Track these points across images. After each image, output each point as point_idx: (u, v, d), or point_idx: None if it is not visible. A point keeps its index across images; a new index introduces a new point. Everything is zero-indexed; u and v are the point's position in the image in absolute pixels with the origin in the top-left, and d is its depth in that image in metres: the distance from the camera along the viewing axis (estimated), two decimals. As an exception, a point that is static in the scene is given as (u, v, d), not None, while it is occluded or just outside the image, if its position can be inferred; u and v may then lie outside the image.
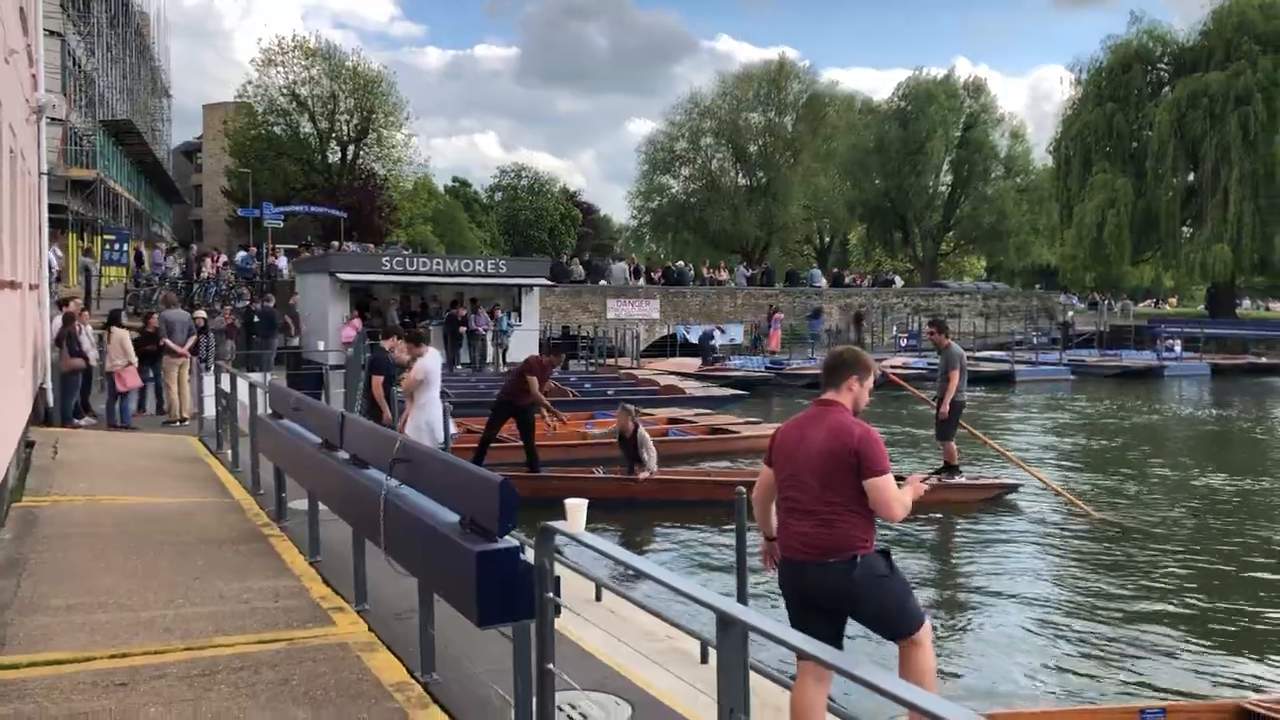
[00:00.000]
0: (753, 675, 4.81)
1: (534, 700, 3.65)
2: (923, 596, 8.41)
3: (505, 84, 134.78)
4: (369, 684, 4.49)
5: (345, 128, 47.97)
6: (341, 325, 24.29)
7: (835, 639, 4.05)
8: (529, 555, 3.75)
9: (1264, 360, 34.99)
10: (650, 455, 11.48)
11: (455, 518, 4.13)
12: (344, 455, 5.89)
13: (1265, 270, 44.00)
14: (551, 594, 3.57)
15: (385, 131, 48.43)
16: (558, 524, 3.69)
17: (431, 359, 9.33)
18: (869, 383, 4.27)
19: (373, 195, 46.14)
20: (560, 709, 4.45)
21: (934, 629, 7.47)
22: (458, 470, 4.33)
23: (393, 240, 45.38)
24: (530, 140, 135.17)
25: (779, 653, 5.48)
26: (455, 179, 72.21)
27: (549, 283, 29.77)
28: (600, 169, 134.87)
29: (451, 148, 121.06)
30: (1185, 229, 42.48)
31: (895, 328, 38.20)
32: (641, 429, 11.66)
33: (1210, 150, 39.37)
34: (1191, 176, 42.00)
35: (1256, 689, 6.09)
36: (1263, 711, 5.19)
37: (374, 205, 45.56)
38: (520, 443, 12.18)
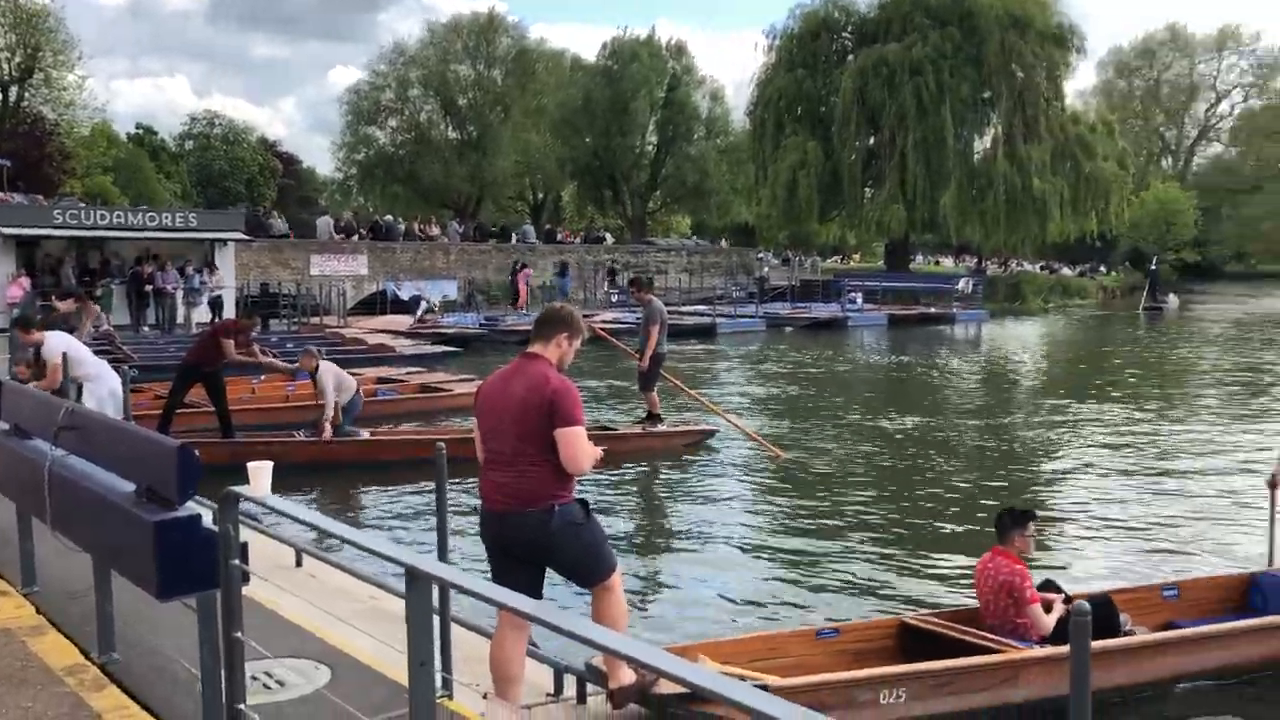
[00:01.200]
0: (458, 629, 4.88)
1: (222, 672, 3.52)
2: (626, 540, 8.76)
3: (196, 25, 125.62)
4: (35, 669, 4.16)
5: (7, 66, 43.14)
6: (6, 284, 22.05)
7: (535, 588, 4.15)
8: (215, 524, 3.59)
9: (933, 310, 38.51)
10: (327, 401, 11.05)
11: (131, 487, 3.89)
12: (3, 426, 5.38)
13: (934, 228, 48.18)
14: (238, 561, 3.44)
15: (54, 72, 43.94)
16: (241, 489, 3.55)
17: (56, 341, 8.35)
18: (577, 343, 4.36)
19: (41, 141, 41.85)
20: (254, 679, 4.31)
21: (637, 571, 7.85)
22: (132, 437, 4.07)
23: (67, 191, 41.44)
24: (226, 86, 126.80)
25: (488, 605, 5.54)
26: (140, 126, 66.57)
27: (245, 237, 28.23)
28: (303, 119, 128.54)
29: (135, 92, 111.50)
30: (867, 190, 45.75)
31: (605, 284, 39.02)
32: (325, 373, 11.23)
33: (889, 117, 42.51)
34: (872, 141, 45.24)
35: (919, 606, 6.74)
36: (923, 625, 5.79)
37: (43, 153, 41.35)
38: (213, 408, 11.55)
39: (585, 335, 4.45)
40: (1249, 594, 6.71)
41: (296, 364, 12.03)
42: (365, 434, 11.64)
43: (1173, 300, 48.00)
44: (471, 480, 4.30)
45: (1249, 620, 6.05)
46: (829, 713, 4.52)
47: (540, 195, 64.55)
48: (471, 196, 54.93)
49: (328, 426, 11.05)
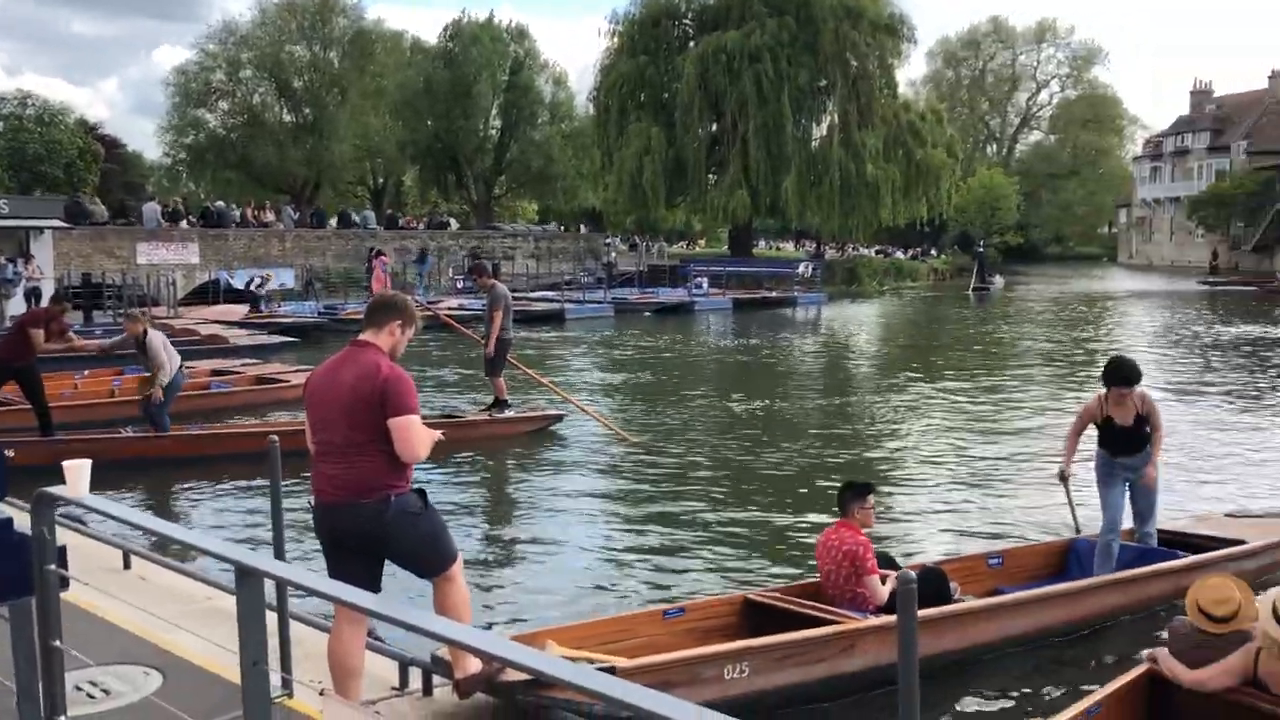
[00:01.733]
0: (299, 626, 4.75)
1: (40, 683, 3.33)
2: (472, 528, 8.69)
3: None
4: None
5: None
6: None
7: (374, 581, 4.08)
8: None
9: (775, 294, 39.40)
10: (159, 365, 10.43)
11: (-68, 492, 3.64)
12: None
13: (776, 213, 49.27)
14: (54, 565, 3.26)
15: None
16: (56, 489, 3.36)
17: None
18: (410, 332, 4.28)
19: None
20: (78, 689, 4.10)
21: (483, 560, 7.80)
22: (-68, 438, 3.80)
23: None
24: (40, 64, 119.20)
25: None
26: (-59, 105, 62.06)
27: (64, 225, 26.70)
28: (126, 100, 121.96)
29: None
30: (711, 176, 46.41)
31: (451, 270, 38.51)
32: (154, 338, 10.60)
33: (730, 104, 43.18)
34: (715, 127, 45.88)
35: (765, 582, 6.90)
36: (766, 601, 5.94)
37: None
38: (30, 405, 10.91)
39: (419, 325, 4.38)
40: (1067, 559, 7.13)
41: (120, 336, 11.43)
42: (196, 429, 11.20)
43: (998, 281, 50.38)
44: (309, 473, 4.18)
45: (1064, 584, 6.43)
46: (675, 690, 4.61)
47: (381, 180, 63.13)
48: (308, 181, 53.31)
49: (159, 391, 10.46)
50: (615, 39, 47.30)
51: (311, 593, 2.65)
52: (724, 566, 7.63)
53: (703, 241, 73.40)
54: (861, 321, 33.97)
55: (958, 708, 5.41)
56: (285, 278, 32.80)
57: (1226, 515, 8.23)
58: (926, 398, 16.18)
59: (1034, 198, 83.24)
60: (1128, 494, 6.87)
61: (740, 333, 28.18)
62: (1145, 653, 4.96)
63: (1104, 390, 6.80)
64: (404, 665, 4.62)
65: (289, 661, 4.29)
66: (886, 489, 9.81)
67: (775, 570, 7.46)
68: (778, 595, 5.99)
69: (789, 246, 71.73)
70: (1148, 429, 6.76)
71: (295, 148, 51.56)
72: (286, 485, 4.73)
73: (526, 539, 8.51)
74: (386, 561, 4.18)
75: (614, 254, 48.87)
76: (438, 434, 4.18)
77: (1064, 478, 7.06)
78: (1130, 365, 6.82)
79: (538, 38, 62.08)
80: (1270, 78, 74.77)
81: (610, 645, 5.31)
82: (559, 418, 12.94)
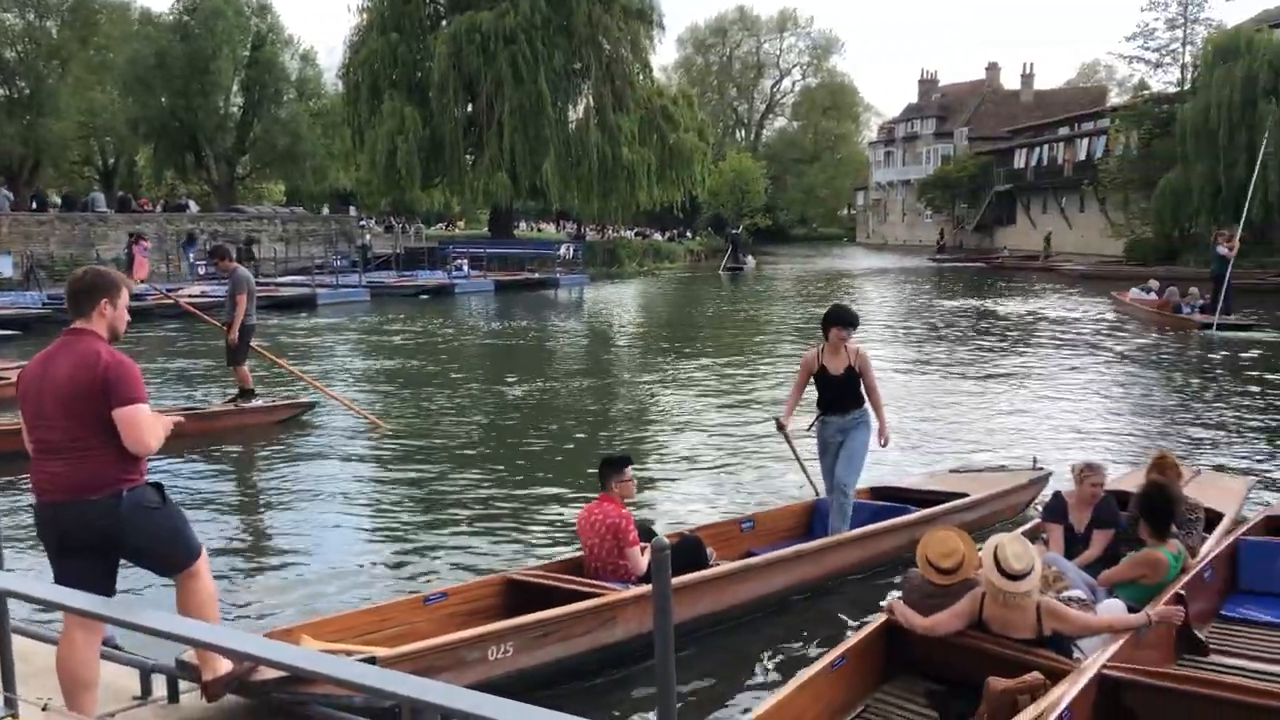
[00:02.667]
0: (21, 640, 4.37)
1: None
2: (220, 522, 8.27)
3: None
4: None
5: None
6: None
7: (106, 585, 3.81)
8: None
9: (538, 276, 39.48)
10: None
11: None
12: None
13: (536, 195, 49.26)
14: None
15: None
16: None
17: None
18: (123, 303, 3.98)
19: None
20: None
21: (234, 555, 7.44)
22: None
23: None
24: None
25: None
26: None
27: None
28: None
29: None
30: (469, 156, 45.77)
31: (190, 255, 36.34)
32: None
33: (486, 84, 42.69)
34: (471, 108, 45.28)
35: (528, 563, 6.90)
36: (528, 579, 5.95)
37: None
38: None
39: (130, 288, 4.09)
40: (812, 520, 7.52)
41: None
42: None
43: (750, 261, 52.44)
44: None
45: (808, 544, 6.78)
46: (439, 676, 4.55)
47: (111, 160, 58.77)
48: (26, 161, 48.93)
49: None
50: (365, 15, 45.86)
51: (36, 601, 2.44)
52: (489, 549, 7.59)
53: (462, 223, 72.55)
54: (623, 302, 34.54)
55: (716, 668, 5.61)
56: (2, 266, 30.04)
57: (950, 471, 8.93)
58: (685, 373, 16.66)
59: (780, 181, 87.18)
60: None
61: (503, 315, 28.07)
62: (883, 603, 5.31)
63: (823, 341, 7.02)
64: (145, 672, 4.34)
65: (12, 679, 3.95)
66: (646, 461, 10.04)
67: (542, 549, 7.48)
68: (540, 573, 6.02)
69: (550, 228, 71.97)
70: (861, 390, 7.01)
71: (10, 124, 47.16)
72: (4, 489, 4.35)
73: (278, 532, 8.18)
74: (122, 562, 3.92)
75: (369, 236, 47.51)
76: (169, 420, 3.92)
77: (781, 428, 7.29)
78: (848, 309, 7.09)
79: (281, 12, 59.37)
80: (987, 69, 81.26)
81: (369, 636, 5.20)
82: (310, 406, 12.51)
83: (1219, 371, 16.35)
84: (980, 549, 5.06)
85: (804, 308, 29.61)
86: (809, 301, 31.85)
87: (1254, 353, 17.91)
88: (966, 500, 7.56)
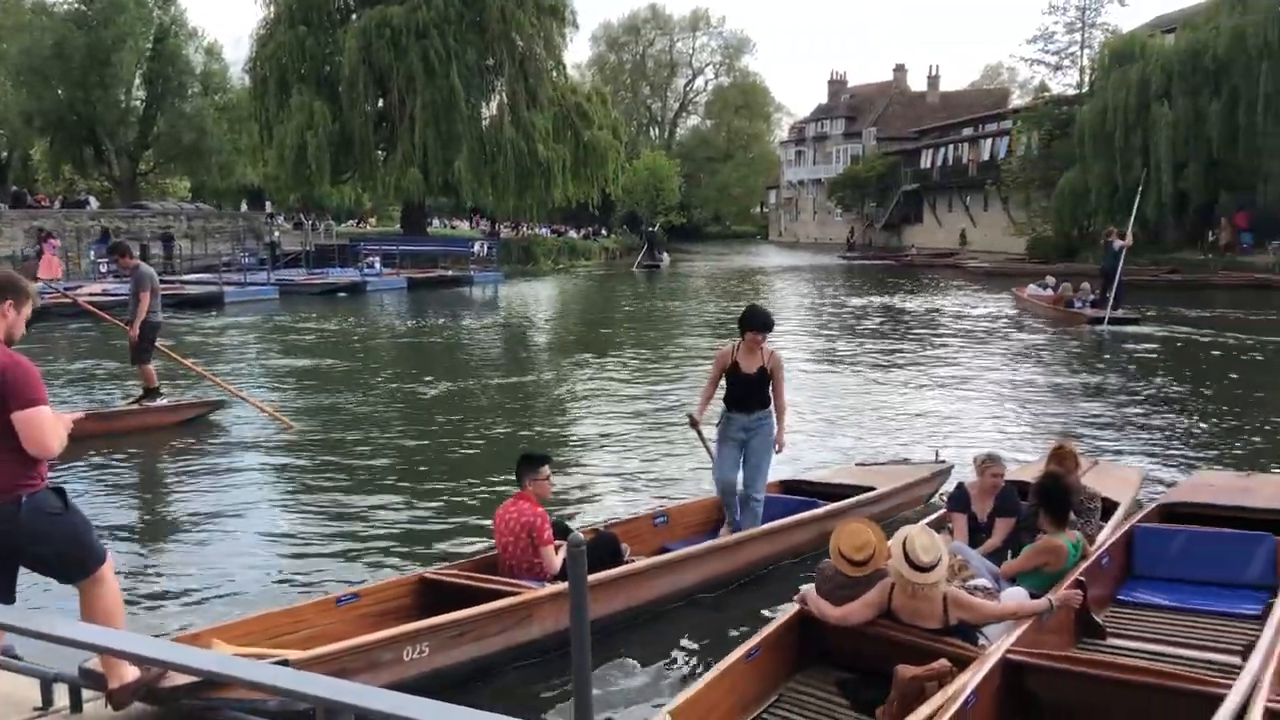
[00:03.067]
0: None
1: None
2: (125, 527, 8.07)
3: None
4: None
5: None
6: None
7: (5, 593, 3.70)
8: None
9: (451, 273, 39.11)
10: None
11: None
12: None
13: (449, 192, 48.84)
14: None
15: None
16: None
17: None
18: (26, 310, 3.88)
19: None
20: None
21: (140, 560, 7.26)
22: None
23: None
24: None
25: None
26: None
27: None
28: None
29: None
30: (380, 152, 45.20)
31: (93, 252, 35.27)
32: None
33: (398, 79, 42.16)
34: (382, 103, 44.70)
35: (444, 560, 6.86)
36: (442, 578, 5.91)
37: None
38: None
39: (36, 299, 3.98)
40: (724, 514, 7.60)
41: None
42: None
43: (666, 259, 52.64)
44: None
45: (721, 539, 6.86)
46: (354, 677, 4.51)
47: (4, 154, 56.70)
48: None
49: None
50: (272, 8, 44.93)
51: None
52: (404, 549, 7.52)
53: (374, 220, 71.57)
54: (538, 299, 34.44)
55: (632, 663, 5.65)
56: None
57: (857, 465, 9.13)
58: (600, 370, 16.69)
59: (694, 179, 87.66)
60: (743, 455, 7.05)
61: (417, 313, 27.77)
62: (796, 595, 5.40)
63: (739, 339, 7.04)
64: (47, 682, 4.20)
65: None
66: (562, 459, 10.04)
67: (458, 547, 7.44)
68: (455, 572, 6.00)
69: (464, 225, 71.40)
70: (769, 391, 7.03)
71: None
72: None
73: (185, 534, 8.00)
74: (22, 569, 3.81)
75: (277, 233, 46.59)
76: (69, 419, 3.82)
77: (695, 424, 7.31)
78: (766, 313, 7.10)
79: (186, 4, 57.90)
80: (895, 70, 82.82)
81: (281, 639, 5.12)
82: (217, 405, 12.26)
83: (1111, 365, 16.94)
84: (891, 541, 5.19)
85: (719, 305, 29.86)
86: (724, 298, 32.13)
87: (1144, 346, 18.59)
88: (873, 494, 7.73)
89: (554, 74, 46.03)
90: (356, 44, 41.81)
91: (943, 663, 4.52)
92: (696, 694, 4.37)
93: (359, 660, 4.75)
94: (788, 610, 5.34)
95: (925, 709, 4.18)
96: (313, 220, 54.40)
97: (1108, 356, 17.94)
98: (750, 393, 7.02)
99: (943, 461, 8.73)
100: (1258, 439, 11.19)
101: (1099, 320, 20.93)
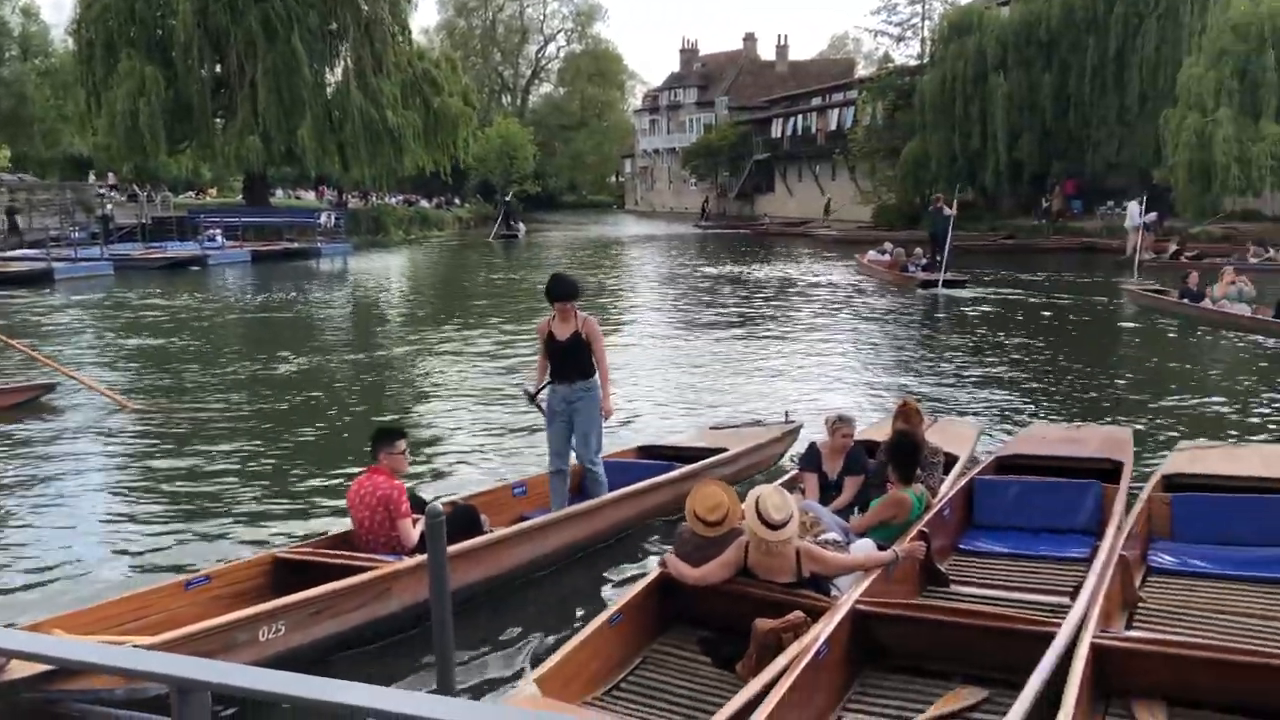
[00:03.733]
0: None
1: None
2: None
3: None
4: None
5: None
6: None
7: None
8: None
9: (298, 245, 37.97)
10: None
11: None
12: None
13: (293, 161, 47.24)
14: None
15: None
16: None
17: None
18: None
19: None
20: None
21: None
22: None
23: None
24: None
25: None
26: None
27: None
28: None
29: None
30: (218, 120, 43.34)
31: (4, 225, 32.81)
32: None
33: (235, 43, 40.42)
34: (220, 69, 42.80)
35: (299, 541, 6.71)
36: (296, 557, 5.80)
37: None
38: None
39: None
40: (582, 482, 7.66)
41: None
42: None
43: (522, 229, 52.21)
44: None
45: (579, 505, 6.91)
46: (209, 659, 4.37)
47: None
48: None
49: None
50: (96, -33, 42.39)
51: None
52: (255, 529, 7.32)
53: (214, 191, 68.74)
54: (390, 272, 33.76)
55: (496, 632, 5.66)
56: None
57: (711, 428, 9.33)
58: (455, 342, 16.50)
59: (548, 148, 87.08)
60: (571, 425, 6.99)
61: (263, 287, 26.86)
62: (657, 558, 5.50)
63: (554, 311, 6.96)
64: None
65: None
66: (419, 432, 9.92)
67: (313, 525, 7.28)
68: (309, 550, 5.89)
69: (310, 195, 69.24)
70: (590, 359, 6.94)
71: None
72: None
73: (20, 522, 7.59)
74: None
75: (110, 206, 44.25)
76: None
77: (531, 397, 7.23)
78: (568, 280, 7.06)
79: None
80: (744, 39, 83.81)
81: (127, 626, 4.95)
82: (49, 387, 11.65)
83: (949, 326, 17.78)
84: (745, 502, 5.33)
85: (579, 275, 29.81)
86: (584, 269, 32.14)
87: (980, 309, 19.47)
88: (726, 455, 7.92)
89: (400, 39, 44.90)
90: (190, 6, 39.84)
91: (798, 614, 4.68)
92: (561, 661, 4.42)
93: (213, 642, 4.62)
94: (649, 574, 5.43)
95: (781, 660, 4.32)
96: (148, 192, 51.90)
97: (942, 317, 18.81)
98: (567, 361, 6.93)
99: (792, 422, 9.00)
100: (1092, 393, 11.91)
101: (931, 284, 21.99)
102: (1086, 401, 11.43)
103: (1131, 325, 17.95)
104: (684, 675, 4.80)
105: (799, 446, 8.57)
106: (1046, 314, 18.90)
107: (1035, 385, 12.37)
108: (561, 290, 6.91)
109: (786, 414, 9.27)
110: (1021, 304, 20.34)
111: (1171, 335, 16.40)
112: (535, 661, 5.03)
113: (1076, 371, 13.26)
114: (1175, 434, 9.42)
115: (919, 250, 24.37)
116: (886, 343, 16.05)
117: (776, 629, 4.61)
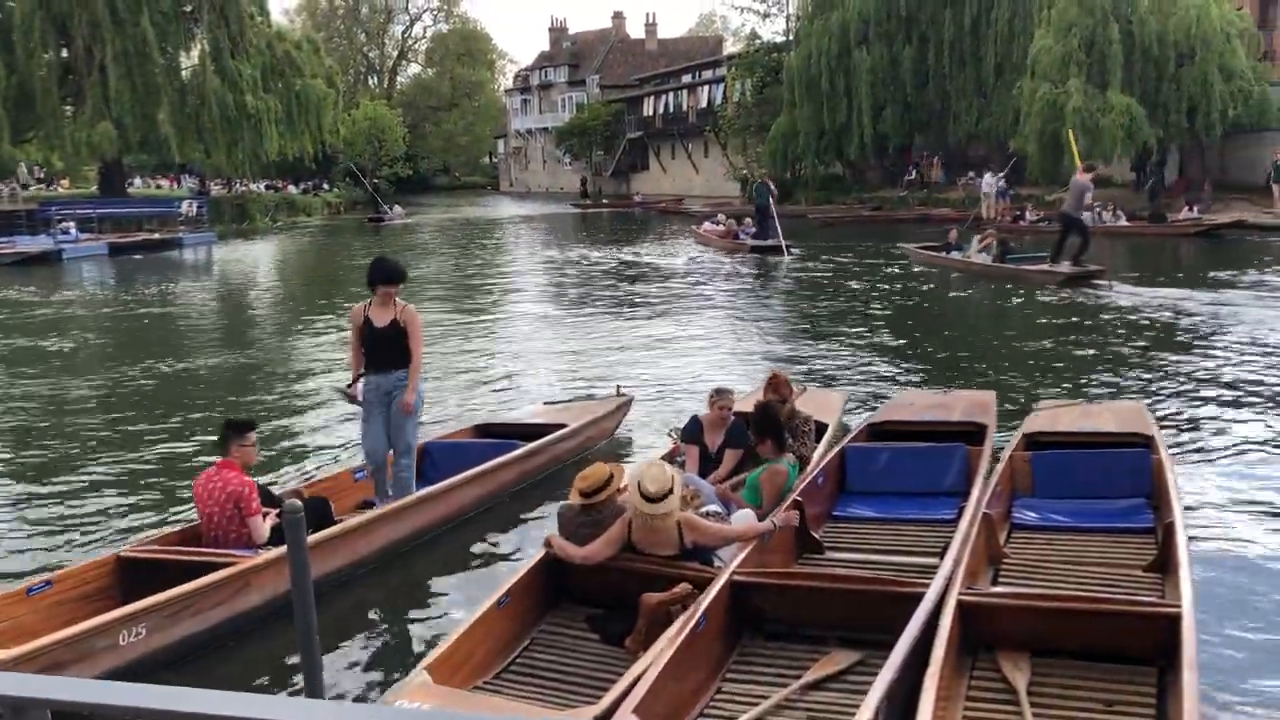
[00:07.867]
0: None
1: None
2: None
3: None
4: None
5: None
6: None
7: None
8: None
9: (158, 236, 36.48)
10: None
11: None
12: None
13: (150, 148, 45.41)
14: None
15: None
16: None
17: None
18: None
19: None
20: None
21: None
22: None
23: None
24: None
25: None
26: None
27: None
28: None
29: None
30: (67, 108, 41.32)
31: None
32: None
33: (80, 27, 38.56)
34: (66, 53, 40.79)
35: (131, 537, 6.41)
36: (142, 555, 5.57)
37: None
38: None
39: None
40: (432, 459, 7.55)
41: None
42: None
43: (398, 211, 51.19)
44: None
45: (429, 488, 6.79)
46: (66, 671, 4.18)
47: None
48: None
49: None
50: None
51: None
52: (98, 530, 6.95)
53: (66, 181, 65.56)
54: (258, 261, 32.76)
55: (369, 620, 5.57)
56: None
57: (545, 405, 9.37)
58: (324, 332, 16.07)
59: (419, 130, 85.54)
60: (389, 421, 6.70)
61: (122, 281, 25.74)
62: (544, 538, 5.47)
63: (372, 297, 6.71)
64: None
65: None
66: (268, 423, 9.60)
67: (157, 523, 6.92)
68: (156, 548, 5.67)
69: (169, 184, 66.61)
70: (406, 347, 6.61)
71: None
72: None
73: None
74: None
75: (-50, 200, 41.84)
76: None
77: (349, 396, 6.82)
78: (394, 263, 6.85)
79: None
80: (613, 17, 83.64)
81: (-34, 639, 4.68)
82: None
83: (805, 296, 18.47)
84: (627, 477, 5.36)
85: (456, 259, 29.45)
86: (455, 251, 31.73)
87: (840, 281, 20.02)
88: (565, 430, 7.97)
89: (258, 20, 43.45)
90: (31, -11, 37.82)
91: (684, 586, 4.73)
92: (451, 646, 4.38)
93: (71, 652, 4.43)
94: (535, 555, 5.40)
95: (665, 635, 4.34)
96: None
97: (783, 285, 19.90)
98: (383, 350, 6.61)
99: (624, 395, 9.13)
100: (961, 359, 12.32)
101: (761, 249, 24.85)
102: (954, 366, 11.84)
103: (921, 278, 19.78)
104: (574, 654, 4.80)
105: (631, 418, 8.87)
106: (920, 284, 19.37)
107: (910, 352, 12.74)
108: (385, 274, 6.62)
109: (618, 388, 9.38)
110: (886, 274, 20.83)
111: (935, 284, 18.97)
112: (424, 648, 4.96)
113: (941, 339, 13.76)
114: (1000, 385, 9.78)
115: (748, 220, 27.60)
116: (739, 314, 16.62)
117: (664, 602, 4.64)
